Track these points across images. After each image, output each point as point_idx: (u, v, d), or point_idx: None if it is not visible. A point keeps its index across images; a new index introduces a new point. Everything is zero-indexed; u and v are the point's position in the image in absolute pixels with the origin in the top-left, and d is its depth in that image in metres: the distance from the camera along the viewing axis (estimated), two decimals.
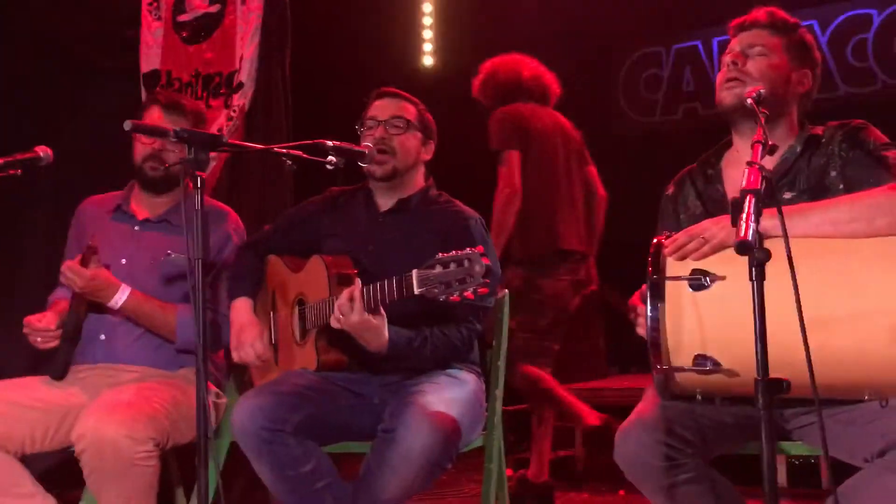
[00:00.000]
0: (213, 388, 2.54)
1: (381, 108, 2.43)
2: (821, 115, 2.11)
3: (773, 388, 1.45)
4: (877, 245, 1.70)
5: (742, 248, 1.43)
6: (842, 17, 4.87)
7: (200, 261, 1.77)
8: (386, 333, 2.11)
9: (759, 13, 2.08)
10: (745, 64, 2.02)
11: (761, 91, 1.85)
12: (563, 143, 3.73)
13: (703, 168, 2.15)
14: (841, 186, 1.92)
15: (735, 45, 2.08)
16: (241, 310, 2.44)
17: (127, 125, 1.85)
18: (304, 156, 2.06)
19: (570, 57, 5.08)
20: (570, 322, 3.77)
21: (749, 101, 1.83)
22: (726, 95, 2.03)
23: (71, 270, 2.40)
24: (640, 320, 1.92)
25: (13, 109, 4.23)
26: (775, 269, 1.49)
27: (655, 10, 5.12)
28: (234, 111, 3.78)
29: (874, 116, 2.04)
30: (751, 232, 1.41)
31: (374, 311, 2.06)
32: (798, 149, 2.02)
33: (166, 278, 2.53)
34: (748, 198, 1.45)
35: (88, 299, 2.49)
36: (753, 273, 1.44)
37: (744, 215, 1.42)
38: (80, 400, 2.42)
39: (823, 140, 2.01)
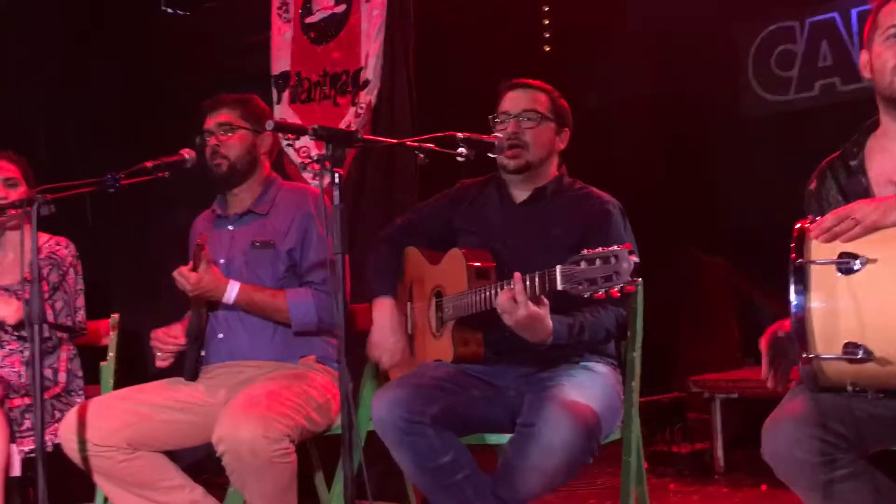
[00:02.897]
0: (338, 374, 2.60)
1: (513, 101, 2.41)
2: None
3: None
4: None
5: None
6: None
7: (341, 255, 1.80)
8: (550, 324, 2.07)
9: None
10: None
11: None
12: None
13: (844, 159, 2.01)
14: None
15: None
16: (384, 309, 2.46)
17: (269, 125, 1.91)
18: (436, 148, 2.07)
19: (695, 34, 4.93)
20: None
21: None
22: None
23: (179, 275, 2.51)
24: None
25: (151, 116, 4.47)
26: None
27: None
28: (362, 108, 3.86)
29: None
30: None
31: (536, 301, 2.02)
32: None
33: (257, 267, 2.60)
34: None
35: (205, 299, 2.59)
36: None
37: None
38: (215, 398, 2.53)
39: None
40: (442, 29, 4.18)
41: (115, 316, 3.05)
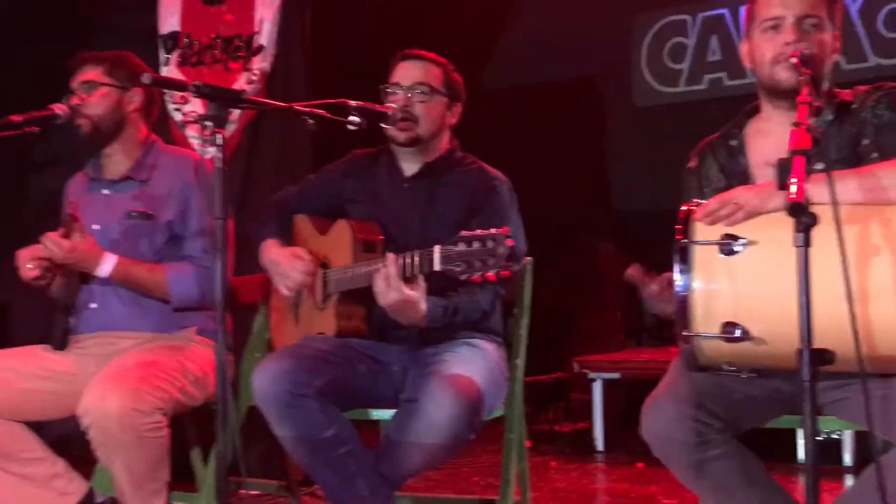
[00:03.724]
0: None
1: (405, 73, 2.36)
2: (850, 85, 2.02)
3: (817, 359, 1.40)
4: None
5: (795, 209, 1.37)
6: None
7: (222, 221, 1.72)
8: (424, 306, 2.04)
9: None
10: (800, 39, 1.85)
11: (805, 52, 1.76)
12: None
13: (724, 139, 2.07)
14: (874, 155, 1.84)
15: (783, 13, 1.90)
16: (272, 246, 2.36)
17: (146, 78, 1.81)
18: (326, 115, 2.00)
19: (591, 24, 5.00)
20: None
21: (794, 60, 1.74)
22: (788, 77, 1.85)
23: (50, 241, 2.34)
24: (652, 288, 1.89)
25: (30, 73, 4.20)
26: (817, 236, 1.43)
27: None
28: (255, 75, 3.74)
29: None
30: (803, 193, 1.35)
31: (410, 282, 2.00)
32: (829, 116, 1.92)
33: (134, 238, 2.47)
34: (796, 158, 1.38)
35: (77, 269, 2.45)
36: (801, 239, 1.38)
37: (794, 177, 1.36)
38: (85, 369, 2.39)
39: (854, 106, 1.92)
40: None
41: None
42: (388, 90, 2.36)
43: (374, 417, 2.26)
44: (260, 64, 3.75)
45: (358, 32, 4.30)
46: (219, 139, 1.73)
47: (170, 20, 3.98)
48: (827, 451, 3.52)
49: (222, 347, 1.70)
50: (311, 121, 1.97)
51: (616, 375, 4.06)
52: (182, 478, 2.52)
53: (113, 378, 2.17)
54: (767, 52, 1.93)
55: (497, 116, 4.74)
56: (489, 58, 5.09)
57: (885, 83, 1.93)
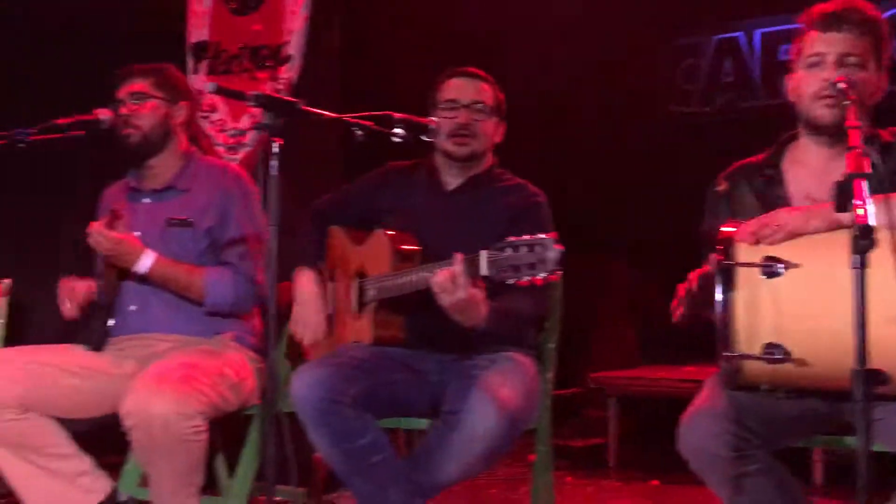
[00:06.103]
0: (252, 354, 2.54)
1: (461, 90, 2.40)
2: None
3: (872, 380, 1.42)
4: None
5: (865, 232, 1.38)
6: None
7: (276, 228, 1.75)
8: (485, 309, 2.06)
9: (850, 7, 1.93)
10: (839, 77, 1.83)
11: (851, 77, 1.79)
12: None
13: (761, 168, 2.08)
14: None
15: (826, 49, 1.93)
16: (305, 283, 2.40)
17: (211, 87, 1.84)
18: (374, 127, 2.04)
19: (613, 48, 5.02)
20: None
21: (842, 84, 1.75)
22: (826, 114, 1.91)
23: (97, 231, 2.36)
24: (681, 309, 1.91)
25: (63, 81, 4.21)
26: (870, 258, 1.45)
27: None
28: (281, 84, 3.77)
29: None
30: (870, 215, 1.37)
31: (473, 284, 2.00)
32: (875, 153, 1.89)
33: (173, 245, 2.49)
34: (857, 182, 1.40)
35: (116, 266, 2.46)
36: (857, 261, 1.40)
37: (859, 199, 1.38)
38: (122, 369, 2.41)
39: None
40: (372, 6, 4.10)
41: (8, 281, 2.89)
42: (444, 106, 2.40)
43: (409, 427, 2.28)
44: (287, 73, 3.79)
45: (388, 45, 4.32)
46: (275, 147, 1.77)
47: (199, 30, 4.03)
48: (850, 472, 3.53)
49: (274, 354, 1.73)
50: (359, 132, 2.01)
51: (630, 392, 4.08)
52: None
53: (156, 380, 2.18)
54: (808, 87, 1.96)
55: (520, 134, 4.73)
56: (516, 69, 5.04)
57: None
